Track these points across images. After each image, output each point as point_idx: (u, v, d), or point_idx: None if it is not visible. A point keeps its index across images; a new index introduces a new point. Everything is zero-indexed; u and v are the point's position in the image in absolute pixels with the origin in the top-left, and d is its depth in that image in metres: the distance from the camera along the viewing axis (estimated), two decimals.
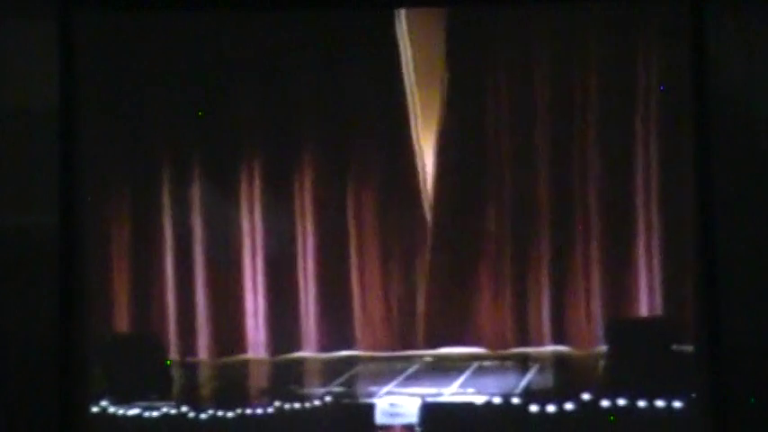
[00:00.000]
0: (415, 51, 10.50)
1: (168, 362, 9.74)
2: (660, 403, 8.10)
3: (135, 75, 10.62)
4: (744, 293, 7.79)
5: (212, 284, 10.83)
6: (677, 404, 8.12)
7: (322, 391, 8.97)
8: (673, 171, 10.01)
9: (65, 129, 8.35)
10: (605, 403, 8.19)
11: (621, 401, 8.15)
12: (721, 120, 8.02)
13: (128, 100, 10.51)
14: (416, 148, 10.45)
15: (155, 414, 8.63)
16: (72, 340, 8.20)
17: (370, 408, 8.42)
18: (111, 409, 8.65)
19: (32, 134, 8.19)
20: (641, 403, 8.11)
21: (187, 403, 8.75)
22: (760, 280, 7.83)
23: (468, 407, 8.41)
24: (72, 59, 8.46)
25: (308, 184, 10.57)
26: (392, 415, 8.35)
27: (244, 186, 10.85)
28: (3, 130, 8.23)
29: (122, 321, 10.42)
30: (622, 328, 9.19)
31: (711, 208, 8.01)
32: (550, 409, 8.20)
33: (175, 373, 9.69)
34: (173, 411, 8.65)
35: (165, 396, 8.89)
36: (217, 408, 8.67)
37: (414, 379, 9.33)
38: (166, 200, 10.68)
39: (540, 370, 9.46)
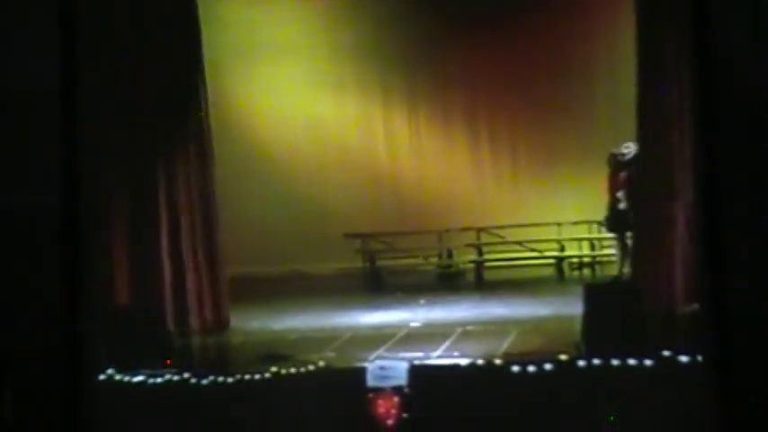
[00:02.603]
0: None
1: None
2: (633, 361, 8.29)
3: (136, 53, 10.91)
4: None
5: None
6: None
7: (316, 356, 9.15)
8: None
9: (66, 108, 8.03)
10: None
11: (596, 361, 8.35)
12: (724, 83, 7.51)
13: (128, 80, 10.81)
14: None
15: (158, 380, 8.79)
16: (77, 314, 8.02)
17: (362, 371, 8.50)
18: (117, 377, 8.85)
19: (33, 113, 8.06)
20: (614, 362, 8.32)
21: (188, 370, 8.88)
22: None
23: (454, 368, 8.59)
24: (73, 38, 8.11)
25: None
26: (382, 378, 8.43)
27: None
28: (3, 108, 8.15)
29: (124, 295, 10.79)
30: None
31: (718, 187, 7.50)
32: (530, 369, 8.37)
33: (176, 342, 10.08)
34: (175, 378, 8.80)
35: (166, 364, 9.04)
36: (217, 374, 8.77)
37: (402, 344, 9.67)
38: (162, 179, 11.03)
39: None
